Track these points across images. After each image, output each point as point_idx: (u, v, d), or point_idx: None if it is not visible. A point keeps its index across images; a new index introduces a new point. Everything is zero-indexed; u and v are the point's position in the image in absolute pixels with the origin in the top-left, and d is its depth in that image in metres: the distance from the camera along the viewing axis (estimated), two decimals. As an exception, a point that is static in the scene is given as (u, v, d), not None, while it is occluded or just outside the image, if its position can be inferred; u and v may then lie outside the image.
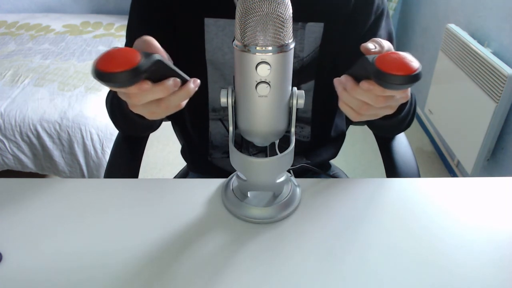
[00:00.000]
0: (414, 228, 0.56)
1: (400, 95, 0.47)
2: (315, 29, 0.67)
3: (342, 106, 0.50)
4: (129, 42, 0.73)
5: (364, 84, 0.44)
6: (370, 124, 0.75)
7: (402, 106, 0.60)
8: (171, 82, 0.44)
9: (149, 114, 0.49)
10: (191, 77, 0.58)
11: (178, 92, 0.46)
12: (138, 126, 0.70)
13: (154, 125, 0.73)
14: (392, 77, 0.40)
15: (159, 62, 0.41)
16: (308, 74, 0.72)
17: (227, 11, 0.62)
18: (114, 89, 0.45)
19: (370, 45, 0.47)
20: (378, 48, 0.47)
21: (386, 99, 0.46)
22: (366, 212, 0.59)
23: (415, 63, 0.41)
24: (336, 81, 0.49)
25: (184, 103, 0.49)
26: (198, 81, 0.48)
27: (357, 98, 0.47)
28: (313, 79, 0.72)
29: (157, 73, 0.43)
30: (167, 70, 0.44)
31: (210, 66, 0.70)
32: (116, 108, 0.68)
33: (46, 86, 1.76)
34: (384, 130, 0.75)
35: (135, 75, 0.39)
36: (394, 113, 0.55)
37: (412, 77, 0.40)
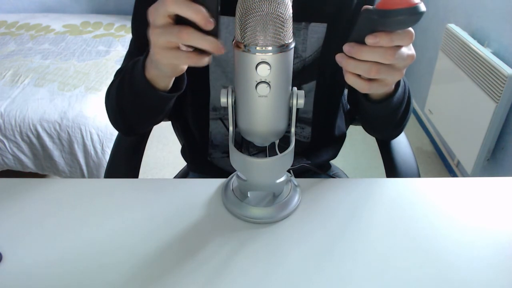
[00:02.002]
0: (413, 228, 0.56)
1: (406, 45, 0.47)
2: (318, 30, 0.67)
3: (349, 78, 0.49)
4: (136, 38, 0.73)
5: (370, 37, 0.44)
6: (366, 121, 0.74)
7: (396, 87, 0.60)
8: (206, 11, 0.44)
9: (169, 59, 0.49)
10: (194, 74, 0.57)
11: (204, 34, 0.45)
12: (146, 102, 0.63)
13: (162, 104, 0.65)
14: (395, 12, 0.41)
15: None
16: (310, 75, 0.72)
17: (231, 8, 0.62)
18: None
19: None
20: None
21: (394, 52, 0.46)
22: (366, 212, 0.59)
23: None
24: (339, 55, 0.48)
25: (203, 61, 0.48)
26: (223, 49, 0.47)
27: (364, 60, 0.47)
28: (314, 80, 0.72)
29: None
30: (212, 4, 0.44)
31: (212, 63, 0.70)
32: (127, 86, 0.64)
33: (46, 86, 1.76)
34: (379, 123, 0.73)
35: None
36: (390, 94, 0.57)
37: (414, 9, 0.41)
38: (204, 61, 0.48)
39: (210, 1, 0.44)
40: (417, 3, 0.41)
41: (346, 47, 0.47)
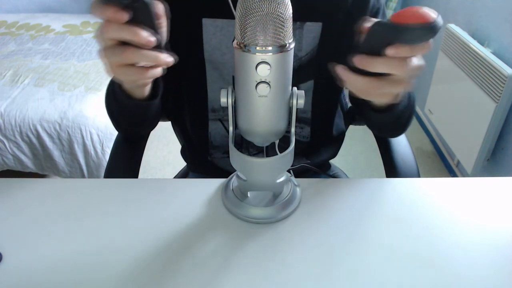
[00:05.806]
0: (413, 228, 0.56)
1: (421, 53, 0.45)
2: (313, 29, 0.67)
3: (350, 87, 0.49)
4: None
5: (391, 49, 0.43)
6: (369, 123, 0.74)
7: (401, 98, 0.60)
8: (146, 32, 0.44)
9: (125, 76, 0.50)
10: (191, 77, 0.57)
11: (147, 50, 0.46)
12: (128, 110, 0.66)
13: (142, 111, 0.66)
14: (411, 29, 0.40)
15: (145, 4, 0.42)
16: (306, 74, 0.72)
17: (225, 11, 0.62)
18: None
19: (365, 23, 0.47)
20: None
21: (408, 63, 0.44)
22: (366, 212, 0.59)
23: (432, 13, 0.40)
24: (340, 68, 0.47)
25: (154, 73, 0.49)
26: (172, 59, 0.48)
27: (370, 74, 0.46)
28: (312, 79, 0.72)
29: (140, 17, 0.44)
30: (149, 21, 0.44)
31: (209, 66, 0.71)
32: (111, 94, 0.67)
33: (46, 86, 1.76)
34: (383, 127, 0.74)
35: None
36: (393, 104, 0.57)
37: (432, 28, 0.39)
38: (156, 73, 0.50)
39: (146, 20, 0.44)
40: (434, 19, 0.39)
41: (356, 59, 0.46)
